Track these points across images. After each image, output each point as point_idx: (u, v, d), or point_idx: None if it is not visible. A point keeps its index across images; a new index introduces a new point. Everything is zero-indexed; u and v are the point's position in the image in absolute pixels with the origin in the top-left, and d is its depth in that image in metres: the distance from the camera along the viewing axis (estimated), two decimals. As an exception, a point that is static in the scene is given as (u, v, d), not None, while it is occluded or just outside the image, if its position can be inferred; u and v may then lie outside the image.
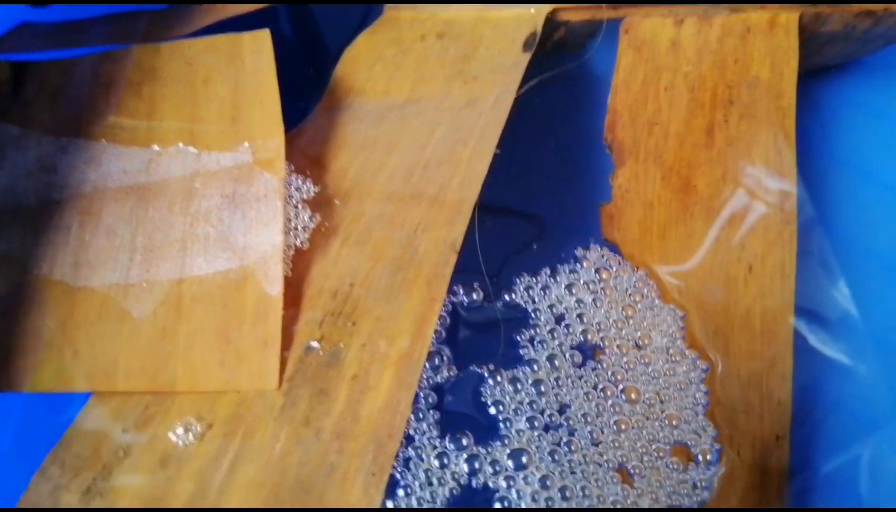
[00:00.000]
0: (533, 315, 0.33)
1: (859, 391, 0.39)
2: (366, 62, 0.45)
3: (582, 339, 0.32)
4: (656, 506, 0.29)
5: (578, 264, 0.34)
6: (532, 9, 0.46)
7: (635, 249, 0.40)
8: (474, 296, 0.32)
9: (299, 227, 0.34)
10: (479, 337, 0.32)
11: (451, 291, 0.32)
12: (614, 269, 0.33)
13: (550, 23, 0.48)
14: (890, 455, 0.36)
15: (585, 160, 0.43)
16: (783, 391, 0.39)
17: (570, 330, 0.32)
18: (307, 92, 0.43)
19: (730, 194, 0.42)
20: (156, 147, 0.36)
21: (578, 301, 0.32)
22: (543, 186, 0.39)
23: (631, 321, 0.32)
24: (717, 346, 0.38)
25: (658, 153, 0.43)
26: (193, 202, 0.34)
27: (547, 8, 0.47)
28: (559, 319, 0.32)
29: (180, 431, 0.29)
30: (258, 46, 0.40)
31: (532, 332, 0.32)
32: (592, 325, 0.32)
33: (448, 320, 0.32)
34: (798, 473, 0.37)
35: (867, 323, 0.40)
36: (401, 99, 0.43)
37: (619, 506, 0.29)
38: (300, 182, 0.35)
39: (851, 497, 0.36)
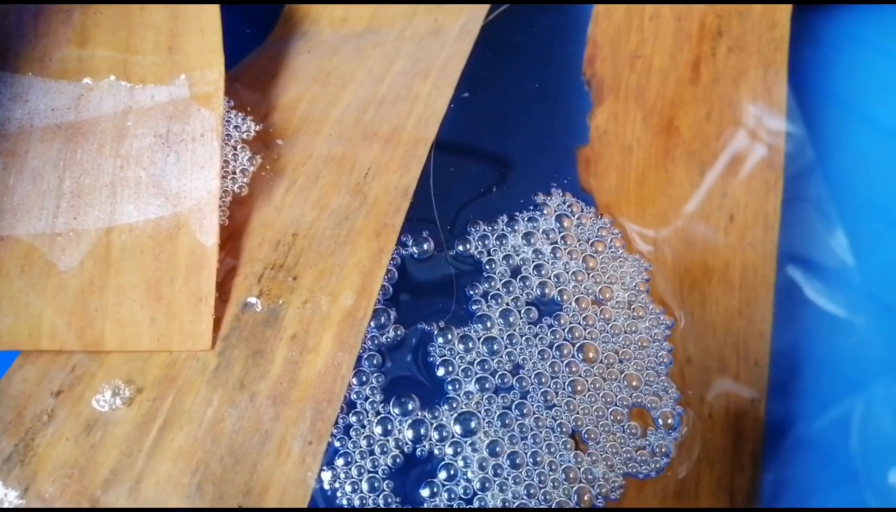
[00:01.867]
0: (487, 267, 0.30)
1: (850, 345, 0.37)
2: (323, -14, 0.42)
3: (539, 293, 0.30)
4: (611, 473, 0.28)
5: (538, 212, 0.31)
6: (508, -74, 0.42)
7: (611, 198, 0.38)
8: (425, 246, 0.30)
9: (237, 171, 0.31)
10: (428, 292, 0.29)
11: (400, 242, 0.29)
12: (577, 216, 0.31)
13: (528, -57, 0.44)
14: (880, 412, 0.35)
15: (561, 97, 0.40)
16: (761, 351, 0.37)
17: (527, 283, 0.30)
18: (258, 20, 0.40)
19: (714, 136, 0.40)
20: (87, 80, 0.33)
21: (536, 252, 0.30)
22: (511, 126, 0.37)
23: (592, 273, 0.30)
24: (693, 301, 0.36)
25: (640, 91, 0.40)
26: (125, 143, 0.32)
27: (523, -74, 0.43)
28: (515, 272, 0.30)
29: (108, 394, 0.28)
30: (201, -32, 0.37)
31: (486, 285, 0.30)
32: (550, 277, 0.30)
33: (396, 274, 0.30)
34: (778, 432, 0.36)
35: (863, 274, 0.38)
36: (359, 27, 0.40)
37: (572, 472, 0.28)
38: (240, 120, 0.32)
39: (838, 457, 0.35)
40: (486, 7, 0.39)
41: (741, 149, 0.40)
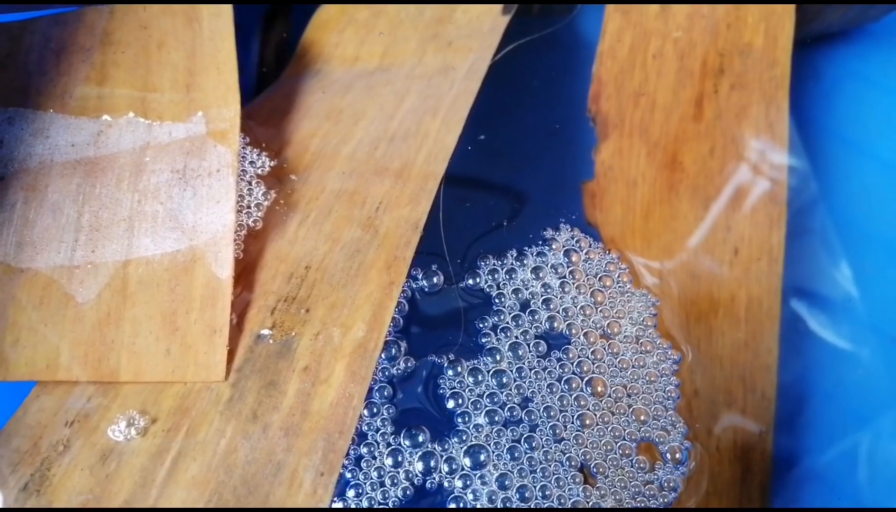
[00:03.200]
0: (497, 300, 0.31)
1: (857, 378, 0.37)
2: (336, 25, 0.43)
3: (548, 326, 0.30)
4: (621, 506, 0.28)
5: (546, 246, 0.32)
6: (514, -32, 0.43)
7: (616, 231, 0.38)
8: (435, 280, 0.30)
9: (252, 205, 0.32)
10: (438, 324, 0.30)
11: (410, 275, 0.30)
12: (584, 251, 0.31)
13: (535, -16, 0.45)
14: (888, 444, 0.35)
15: (567, 133, 0.41)
16: (768, 384, 0.37)
17: (536, 317, 0.30)
18: (273, 58, 0.41)
19: (717, 171, 0.40)
20: (106, 117, 0.34)
21: (545, 286, 0.30)
22: (519, 161, 0.37)
23: (600, 308, 0.30)
24: (699, 334, 0.37)
25: (644, 127, 0.41)
26: (142, 178, 0.32)
27: (530, -33, 0.44)
28: (524, 306, 0.31)
29: (122, 425, 0.28)
30: (217, 8, 0.38)
31: (495, 319, 0.30)
32: (559, 311, 0.30)
33: (406, 307, 0.30)
34: (787, 466, 0.36)
35: (868, 307, 0.38)
36: (371, 66, 0.41)
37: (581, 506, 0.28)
38: (255, 156, 0.33)
39: (846, 491, 0.35)
40: (494, 46, 0.40)
41: (744, 183, 0.40)
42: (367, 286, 0.31)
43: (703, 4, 0.44)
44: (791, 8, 0.43)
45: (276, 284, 0.31)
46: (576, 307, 0.30)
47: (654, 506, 0.29)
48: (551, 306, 0.31)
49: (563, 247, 0.32)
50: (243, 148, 0.33)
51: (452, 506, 0.28)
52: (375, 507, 0.26)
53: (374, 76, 0.40)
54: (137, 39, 0.38)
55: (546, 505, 0.28)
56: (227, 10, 0.38)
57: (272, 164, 0.33)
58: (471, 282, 0.31)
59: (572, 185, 0.38)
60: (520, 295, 0.31)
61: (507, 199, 0.34)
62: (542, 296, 0.31)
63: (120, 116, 0.35)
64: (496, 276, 0.31)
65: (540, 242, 0.32)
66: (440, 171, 0.34)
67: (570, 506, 0.28)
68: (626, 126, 0.41)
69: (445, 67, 0.40)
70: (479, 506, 0.27)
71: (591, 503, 0.28)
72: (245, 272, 0.31)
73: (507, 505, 0.28)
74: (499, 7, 0.42)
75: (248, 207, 0.32)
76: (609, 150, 0.40)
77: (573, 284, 0.31)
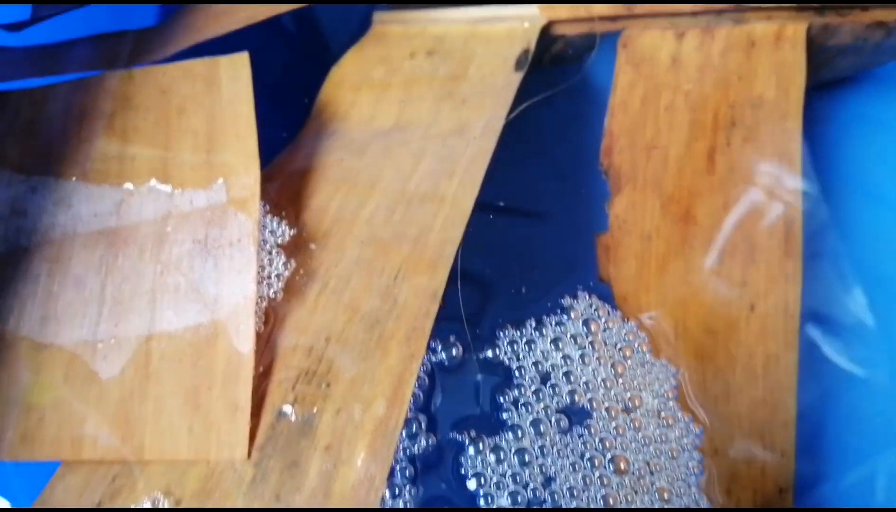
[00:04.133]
0: (517, 373, 0.30)
1: (873, 404, 0.36)
2: (352, 84, 0.42)
3: (569, 401, 0.29)
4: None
5: (565, 315, 0.31)
6: (526, 22, 0.43)
7: (630, 287, 0.37)
8: (454, 351, 0.29)
9: (273, 276, 0.31)
10: (458, 399, 0.29)
11: (428, 347, 0.29)
12: (603, 320, 0.30)
13: (546, 36, 0.44)
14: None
15: (580, 187, 0.40)
16: (787, 442, 0.36)
17: (557, 391, 0.29)
18: (290, 118, 0.40)
19: (731, 225, 0.39)
20: (128, 185, 0.34)
21: (565, 357, 0.29)
22: (534, 220, 0.36)
23: (620, 380, 0.29)
24: (716, 392, 0.35)
25: (657, 180, 0.40)
26: (164, 248, 0.32)
27: (541, 21, 0.43)
28: (545, 378, 0.30)
29: (147, 505, 0.27)
30: (236, 71, 0.37)
31: (516, 393, 0.29)
32: (580, 384, 0.29)
33: (426, 381, 0.29)
34: (804, 491, 0.35)
35: (882, 332, 0.38)
36: (387, 125, 0.40)
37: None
38: (275, 224, 0.32)
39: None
40: (507, 103, 0.39)
41: (759, 238, 0.39)
42: (387, 359, 0.30)
43: (714, 56, 0.42)
44: (802, 58, 0.42)
45: (297, 358, 0.30)
46: (597, 380, 0.29)
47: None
48: (572, 379, 0.30)
49: (582, 315, 0.31)
50: (263, 216, 0.33)
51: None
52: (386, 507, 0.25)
53: (391, 136, 0.39)
54: (158, 104, 0.37)
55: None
56: (246, 72, 0.37)
57: (292, 232, 0.33)
58: (490, 353, 0.30)
59: (587, 241, 0.37)
60: (540, 367, 0.30)
61: (523, 261, 0.33)
62: (562, 368, 0.30)
63: (141, 184, 0.34)
64: (516, 347, 0.30)
65: (559, 311, 0.31)
66: (457, 236, 0.33)
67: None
68: (640, 179, 0.40)
69: (461, 127, 0.39)
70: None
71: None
72: (265, 345, 0.30)
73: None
74: (511, 64, 0.41)
75: (269, 278, 0.31)
76: (622, 204, 0.39)
77: (593, 355, 0.30)
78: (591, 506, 0.28)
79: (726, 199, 0.39)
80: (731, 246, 0.38)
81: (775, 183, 0.40)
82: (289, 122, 0.40)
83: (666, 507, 0.30)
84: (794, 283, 0.39)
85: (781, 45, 0.42)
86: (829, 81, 0.45)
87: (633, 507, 0.29)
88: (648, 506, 0.29)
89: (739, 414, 0.36)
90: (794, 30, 0.42)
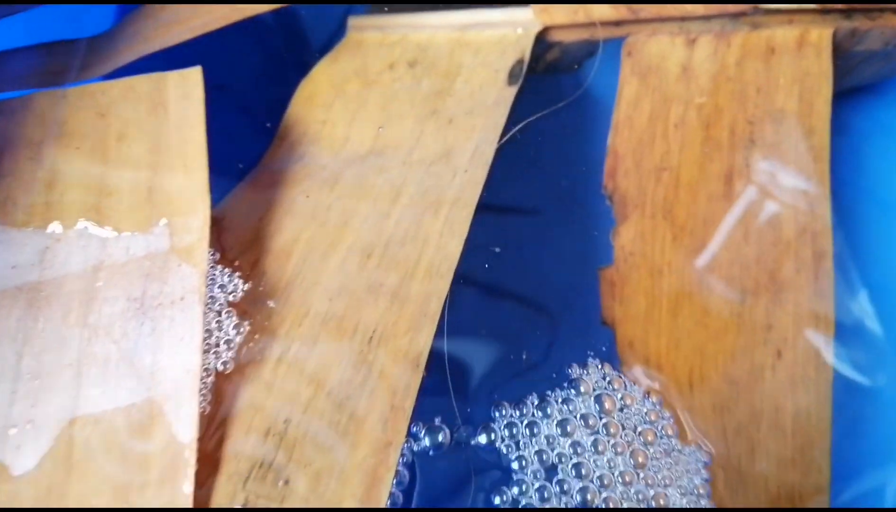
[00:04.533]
0: (516, 465, 0.24)
1: (878, 412, 0.32)
2: (324, 99, 0.35)
3: (580, 500, 0.23)
4: None
5: (573, 390, 0.24)
6: (519, 28, 0.36)
7: (638, 329, 0.31)
8: (440, 437, 0.23)
9: (222, 343, 0.24)
10: (445, 500, 0.22)
11: (409, 432, 0.22)
12: (619, 394, 0.24)
13: (542, 42, 0.38)
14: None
15: (582, 217, 0.33)
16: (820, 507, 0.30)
17: (565, 488, 0.23)
18: (250, 144, 0.33)
19: (754, 260, 0.34)
20: (54, 228, 0.27)
21: (575, 445, 0.23)
22: (532, 265, 0.30)
23: (642, 474, 0.23)
24: (739, 450, 0.31)
25: (668, 206, 0.34)
26: (94, 309, 0.25)
27: (536, 27, 0.36)
28: (550, 472, 0.23)
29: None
30: (186, 89, 0.31)
31: (515, 490, 0.23)
32: (593, 480, 0.23)
33: (406, 476, 0.23)
34: None
35: (887, 337, 0.33)
36: (363, 148, 0.33)
37: None
38: (226, 277, 0.26)
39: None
40: (500, 124, 0.33)
41: (786, 274, 0.33)
42: (359, 449, 0.23)
43: (730, 65, 0.36)
44: (828, 66, 0.36)
45: (250, 444, 0.24)
46: (613, 473, 0.23)
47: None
48: (583, 473, 0.24)
49: (594, 390, 0.25)
50: (212, 267, 0.26)
51: None
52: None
53: (367, 162, 0.33)
54: (94, 130, 0.30)
55: None
56: (198, 91, 0.31)
57: (246, 287, 0.26)
58: (483, 440, 0.24)
59: (592, 282, 0.31)
60: (545, 458, 0.24)
61: (522, 319, 0.27)
62: (571, 459, 0.23)
63: (71, 227, 0.27)
64: (514, 431, 0.24)
65: (565, 385, 0.25)
66: (443, 287, 0.27)
67: None
68: (648, 206, 0.34)
69: (447, 151, 0.32)
70: None
71: None
72: (212, 428, 0.24)
73: None
74: (503, 77, 0.34)
75: (217, 346, 0.24)
76: (629, 234, 0.33)
77: (608, 441, 0.24)
78: None
79: (747, 228, 0.33)
80: (754, 283, 0.32)
81: (803, 209, 0.34)
82: (248, 149, 0.34)
83: (666, 506, 0.24)
84: (826, 325, 0.33)
85: (805, 52, 0.36)
86: (848, 90, 0.39)
87: (633, 507, 0.23)
88: None
89: (766, 476, 0.31)
90: (818, 35, 0.36)
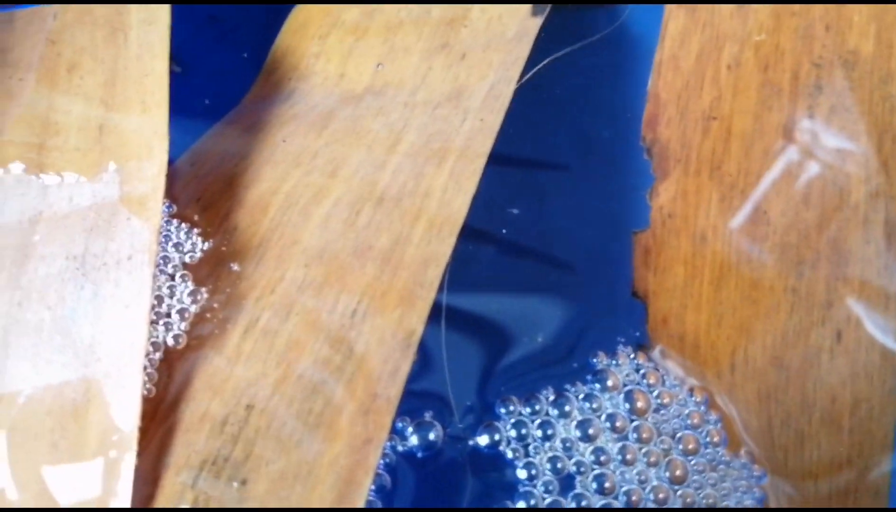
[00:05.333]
0: (524, 474, 0.18)
1: None
2: (317, 29, 0.30)
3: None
4: None
5: (598, 383, 0.19)
6: (547, -48, 0.30)
7: (675, 303, 0.27)
8: (431, 435, 0.18)
9: (174, 313, 0.19)
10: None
11: (394, 428, 0.17)
12: (654, 390, 0.19)
13: (573, -32, 0.32)
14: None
15: (615, 170, 0.28)
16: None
17: (584, 504, 0.17)
18: (238, 81, 0.28)
19: (815, 226, 0.28)
20: (-9, 172, 0.22)
21: (597, 452, 0.18)
22: (551, 220, 0.25)
23: (679, 490, 0.18)
24: (786, 442, 0.27)
25: (716, 162, 0.29)
26: (28, 268, 0.21)
27: (568, -50, 0.30)
28: (566, 485, 0.18)
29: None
30: (150, 15, 0.26)
31: (522, 505, 0.18)
32: (618, 496, 0.18)
33: (388, 482, 0.18)
34: None
35: None
36: (359, 87, 0.28)
37: None
38: (182, 235, 0.20)
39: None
40: (521, 61, 0.27)
41: (852, 243, 0.27)
42: (333, 445, 0.18)
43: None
44: (910, 2, 0.29)
45: (204, 433, 0.19)
46: (644, 489, 0.18)
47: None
48: (606, 486, 0.18)
49: (623, 384, 0.20)
50: (167, 221, 0.21)
51: None
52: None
53: (364, 102, 0.27)
54: (43, 59, 0.25)
55: None
56: (164, 16, 0.25)
57: (206, 246, 0.21)
58: (485, 440, 0.19)
59: (625, 251, 0.26)
60: (559, 466, 0.19)
61: (539, 294, 0.22)
62: (592, 469, 0.18)
63: (8, 171, 0.22)
64: (524, 432, 0.19)
65: (589, 377, 0.20)
66: (444, 252, 0.21)
67: None
68: (693, 161, 0.29)
69: (457, 91, 0.27)
70: None
71: None
72: (159, 415, 0.19)
73: None
74: (527, 6, 0.28)
75: (168, 316, 0.20)
76: (670, 193, 0.28)
77: (639, 448, 0.19)
78: None
79: (808, 189, 0.28)
80: (814, 254, 0.28)
81: (874, 169, 0.28)
82: (235, 87, 0.28)
83: (665, 507, 0.19)
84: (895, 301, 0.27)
85: (884, -16, 0.30)
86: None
87: (636, 507, 0.18)
88: None
89: (816, 474, 0.26)
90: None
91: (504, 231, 0.26)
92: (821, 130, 0.30)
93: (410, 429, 0.20)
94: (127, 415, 0.20)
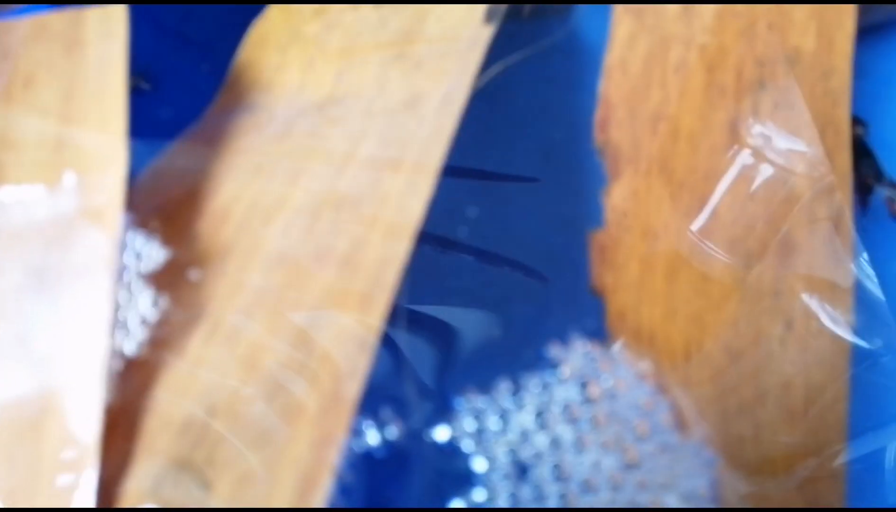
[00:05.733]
0: (483, 465, 0.18)
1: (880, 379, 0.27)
2: (277, 42, 0.30)
3: (559, 505, 0.18)
4: None
5: (552, 374, 0.19)
6: (499, -38, 0.31)
7: (629, 299, 0.28)
8: (388, 434, 0.18)
9: (134, 322, 0.19)
10: (394, 507, 0.17)
11: (354, 427, 0.17)
12: (608, 380, 0.19)
13: (525, -23, 0.32)
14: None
15: (569, 172, 0.28)
16: (836, 498, 0.26)
17: (541, 493, 0.18)
18: (196, 95, 0.28)
19: (761, 218, 0.29)
20: (-51, 189, 0.22)
21: (554, 441, 0.18)
22: (508, 221, 0.25)
23: (634, 474, 0.18)
24: (741, 429, 0.27)
25: (665, 161, 0.29)
26: (-13, 281, 0.20)
27: (518, -40, 0.31)
28: (523, 472, 0.18)
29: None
30: (108, 27, 0.26)
31: (481, 497, 0.18)
32: (575, 482, 0.18)
33: (350, 478, 0.18)
34: None
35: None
36: (319, 97, 0.28)
37: None
38: (141, 244, 0.20)
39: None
40: (474, 66, 0.28)
41: (798, 233, 0.28)
42: (294, 446, 0.19)
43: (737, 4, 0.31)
44: (849, -2, 0.30)
45: (167, 438, 0.19)
46: (600, 475, 0.19)
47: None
48: (562, 475, 0.19)
49: (577, 373, 0.20)
50: (126, 232, 0.21)
51: None
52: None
53: (324, 111, 0.27)
54: None
55: None
56: (121, 29, 0.25)
57: (167, 255, 0.21)
58: (444, 434, 0.19)
59: (578, 247, 0.26)
60: (517, 456, 0.19)
61: (497, 290, 0.22)
62: (549, 457, 0.19)
63: (-34, 188, 0.22)
64: (482, 421, 0.19)
65: (543, 366, 0.20)
66: (402, 253, 0.22)
67: None
68: (643, 160, 0.29)
69: (413, 98, 0.27)
70: None
71: None
72: (120, 424, 0.19)
73: None
74: (480, 12, 0.29)
75: (126, 326, 0.19)
76: (622, 192, 0.29)
77: (593, 435, 0.19)
78: None
79: (753, 184, 0.29)
80: (761, 245, 0.28)
81: (817, 162, 0.29)
82: (195, 98, 0.28)
83: (665, 507, 0.19)
84: (843, 292, 0.28)
85: (822, -17, 0.31)
86: (873, 26, 0.33)
87: (635, 507, 0.19)
88: None
89: (773, 459, 0.26)
90: (837, -37, 0.30)
91: (462, 235, 0.27)
92: (765, 127, 0.30)
93: (368, 426, 0.20)
94: (87, 426, 0.20)
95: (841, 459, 0.27)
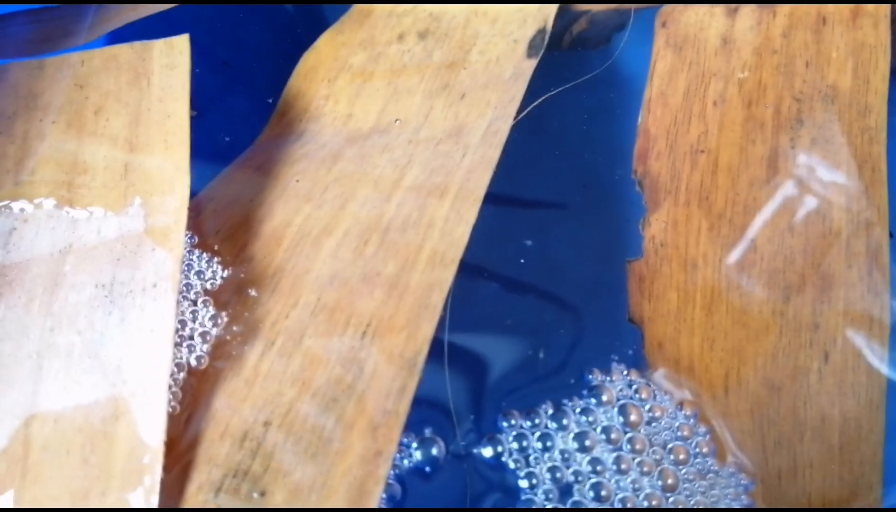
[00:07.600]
0: (526, 483, 0.20)
1: None
2: (326, 73, 0.33)
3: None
4: None
5: (594, 398, 0.21)
6: (540, -2, 0.33)
7: (669, 328, 0.28)
8: (434, 450, 0.20)
9: (196, 335, 0.22)
10: None
11: (402, 443, 0.19)
12: (647, 405, 0.21)
13: (567, 13, 0.34)
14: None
15: (608, 202, 0.30)
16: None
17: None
18: (245, 121, 0.31)
19: (800, 251, 0.31)
20: (22, 207, 0.24)
21: (594, 462, 0.20)
22: (549, 249, 0.27)
23: (671, 497, 0.20)
24: (780, 463, 0.28)
25: (704, 193, 0.31)
26: (59, 295, 0.23)
27: (560, -4, 0.33)
28: (565, 492, 0.20)
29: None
30: (172, 59, 0.28)
31: None
32: (614, 502, 0.20)
33: (399, 492, 0.20)
34: None
35: None
36: (366, 125, 0.30)
37: None
38: (203, 263, 0.23)
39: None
40: (517, 99, 0.30)
41: (836, 268, 0.29)
42: (345, 458, 0.20)
43: (775, 37, 0.33)
44: (886, 38, 0.32)
45: (225, 449, 0.21)
46: (638, 497, 0.20)
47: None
48: (602, 495, 0.20)
49: (617, 399, 0.22)
50: (189, 251, 0.23)
51: None
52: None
53: (370, 140, 0.30)
54: (71, 103, 0.28)
55: None
56: (184, 60, 0.28)
57: (226, 274, 0.23)
58: (488, 453, 0.21)
59: (618, 275, 0.28)
60: (558, 476, 0.21)
61: (538, 316, 0.24)
62: (589, 478, 0.20)
63: (39, 206, 0.25)
64: (525, 444, 0.21)
65: (585, 392, 0.22)
66: (447, 278, 0.24)
67: None
68: (682, 192, 0.31)
69: (458, 128, 0.29)
70: None
71: None
72: (182, 432, 0.21)
73: None
74: (523, 48, 0.31)
75: (191, 339, 0.22)
76: (661, 223, 0.30)
77: (633, 458, 0.20)
78: None
79: (792, 217, 0.30)
80: (800, 278, 0.29)
81: (855, 197, 0.30)
82: (249, 128, 0.31)
83: (666, 507, 0.20)
84: (880, 326, 0.29)
85: (860, 23, 0.33)
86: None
87: (638, 507, 0.20)
88: None
89: (809, 492, 0.27)
90: (875, 4, 0.32)
91: (504, 262, 0.29)
92: (803, 162, 0.32)
93: (415, 444, 0.22)
94: (153, 431, 0.22)
95: (875, 488, 0.28)
